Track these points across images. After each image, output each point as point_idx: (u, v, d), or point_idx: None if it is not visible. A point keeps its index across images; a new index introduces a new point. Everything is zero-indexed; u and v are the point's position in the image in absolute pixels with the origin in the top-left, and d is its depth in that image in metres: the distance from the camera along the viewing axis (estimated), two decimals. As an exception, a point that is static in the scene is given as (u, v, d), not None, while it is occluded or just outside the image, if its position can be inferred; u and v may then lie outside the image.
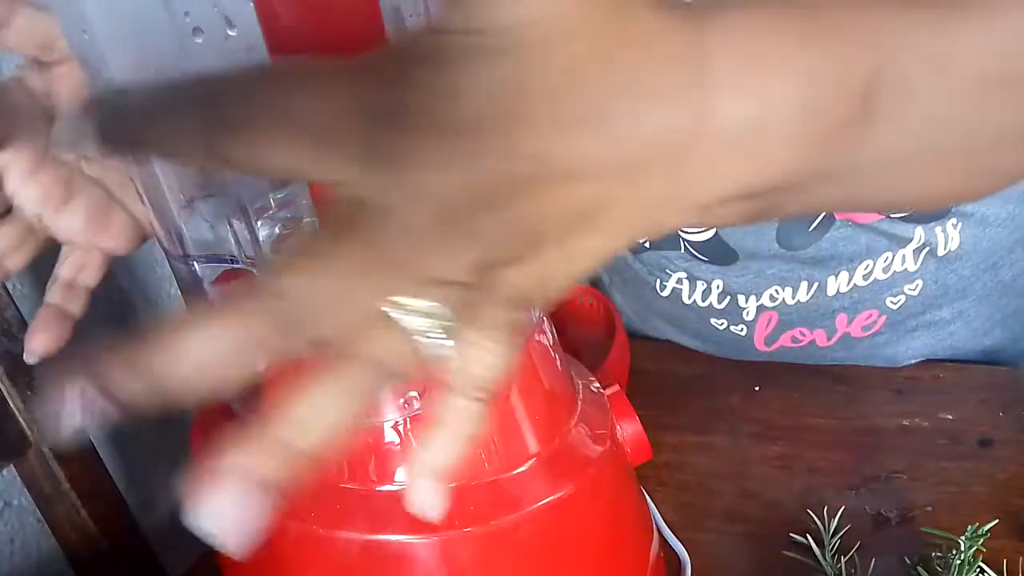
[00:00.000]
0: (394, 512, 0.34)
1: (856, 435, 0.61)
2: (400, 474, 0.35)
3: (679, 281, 0.68)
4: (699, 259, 0.66)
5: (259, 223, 0.33)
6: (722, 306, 0.67)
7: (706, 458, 0.60)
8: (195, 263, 0.34)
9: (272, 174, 0.21)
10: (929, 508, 0.53)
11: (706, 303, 0.67)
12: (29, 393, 0.54)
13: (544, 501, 0.36)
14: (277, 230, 0.34)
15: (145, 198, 0.34)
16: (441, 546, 0.35)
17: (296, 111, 0.19)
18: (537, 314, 0.38)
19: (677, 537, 0.52)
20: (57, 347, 0.39)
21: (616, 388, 0.44)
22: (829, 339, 0.66)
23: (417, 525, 0.34)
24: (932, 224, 0.61)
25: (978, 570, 0.45)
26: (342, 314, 0.21)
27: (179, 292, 0.38)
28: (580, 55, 0.20)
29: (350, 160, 0.20)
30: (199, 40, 0.28)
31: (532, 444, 0.37)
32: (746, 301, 0.65)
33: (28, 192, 0.37)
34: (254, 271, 0.33)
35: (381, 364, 0.22)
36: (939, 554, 0.46)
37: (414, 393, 0.34)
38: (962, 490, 0.54)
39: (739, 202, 0.24)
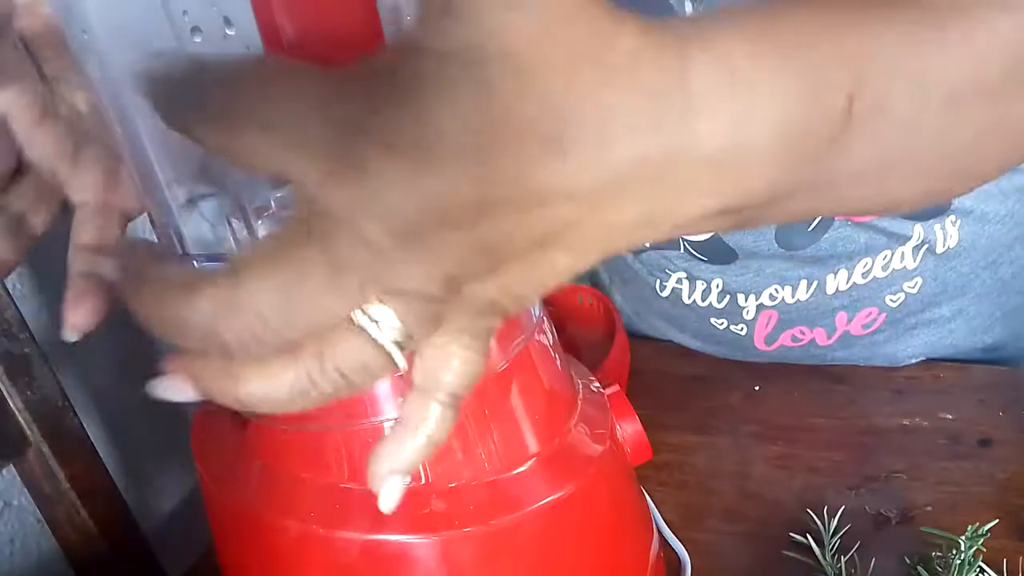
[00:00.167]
0: (394, 512, 0.34)
1: (856, 435, 0.61)
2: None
3: (679, 281, 0.68)
4: (698, 259, 0.66)
5: (259, 223, 0.33)
6: (722, 305, 0.67)
7: (706, 458, 0.60)
8: (194, 262, 0.34)
9: (247, 167, 0.21)
10: (929, 508, 0.53)
11: (706, 303, 0.67)
12: (29, 393, 0.54)
13: (544, 501, 0.36)
14: (277, 230, 0.34)
15: (144, 197, 0.34)
16: (441, 546, 0.35)
17: (274, 108, 0.19)
18: (537, 313, 0.38)
19: (677, 537, 0.52)
20: (99, 319, 0.36)
21: (616, 388, 0.44)
22: (829, 338, 0.66)
23: (417, 525, 0.34)
24: (931, 221, 0.61)
25: (978, 570, 0.45)
26: (301, 318, 0.21)
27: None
28: (555, 80, 0.19)
29: (316, 163, 0.20)
30: (198, 39, 0.28)
31: (532, 444, 0.37)
32: (746, 300, 0.65)
33: (41, 142, 0.35)
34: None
35: (339, 370, 0.22)
36: (939, 554, 0.46)
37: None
38: (962, 490, 0.54)
39: (716, 218, 0.24)
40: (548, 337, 0.39)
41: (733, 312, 0.66)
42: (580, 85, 0.20)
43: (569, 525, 0.38)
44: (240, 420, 0.39)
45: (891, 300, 0.64)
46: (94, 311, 0.35)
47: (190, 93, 0.21)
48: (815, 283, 0.63)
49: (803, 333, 0.66)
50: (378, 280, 0.21)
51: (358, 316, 0.21)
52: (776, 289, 0.64)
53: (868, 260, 0.62)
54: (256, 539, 0.38)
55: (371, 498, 0.36)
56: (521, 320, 0.37)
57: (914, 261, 0.62)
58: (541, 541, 0.37)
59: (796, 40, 0.23)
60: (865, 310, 0.64)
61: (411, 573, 0.35)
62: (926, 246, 0.62)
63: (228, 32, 0.28)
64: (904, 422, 0.61)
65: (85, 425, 0.58)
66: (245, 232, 0.32)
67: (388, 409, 0.34)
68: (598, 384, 0.44)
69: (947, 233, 0.62)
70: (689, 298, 0.68)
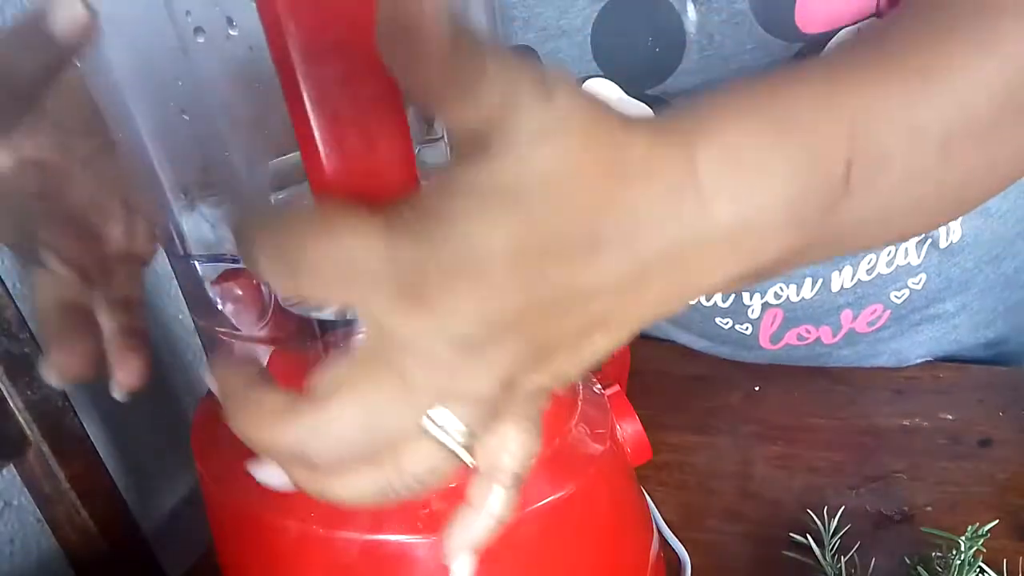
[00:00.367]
0: (394, 512, 0.34)
1: (856, 435, 0.60)
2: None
3: None
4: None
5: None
6: (727, 305, 0.67)
7: (706, 458, 0.60)
8: (196, 263, 0.34)
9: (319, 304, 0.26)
10: (929, 508, 0.53)
11: (711, 302, 0.67)
12: (29, 393, 0.54)
13: (544, 501, 0.36)
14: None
15: (146, 199, 0.34)
16: (441, 546, 0.35)
17: (342, 255, 0.22)
18: None
19: (677, 537, 0.52)
20: (145, 379, 0.35)
21: (616, 388, 0.44)
22: (835, 335, 0.66)
23: (417, 525, 0.34)
24: None
25: (978, 570, 0.45)
26: (379, 434, 0.23)
27: (180, 291, 0.38)
28: (585, 194, 0.22)
29: (383, 299, 0.22)
30: (200, 40, 0.28)
31: (532, 444, 0.37)
32: (751, 299, 0.65)
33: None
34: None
35: (414, 476, 0.24)
36: (939, 554, 0.46)
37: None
38: (962, 490, 0.54)
39: (735, 282, 0.26)
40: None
41: (738, 311, 0.66)
42: (605, 193, 0.22)
43: (569, 525, 0.38)
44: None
45: (896, 297, 0.64)
46: (140, 370, 0.35)
47: (271, 247, 0.23)
48: (820, 281, 0.63)
49: (808, 331, 0.66)
50: (446, 393, 0.23)
51: (425, 423, 0.23)
52: (781, 287, 0.64)
53: (872, 256, 0.62)
54: (256, 539, 0.38)
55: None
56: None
57: (918, 256, 0.62)
58: (541, 541, 0.37)
59: (792, 116, 0.26)
60: (870, 307, 0.64)
61: (411, 573, 0.35)
62: (929, 240, 0.62)
63: (231, 32, 0.28)
64: (904, 422, 0.61)
65: (85, 425, 0.58)
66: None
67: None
68: (598, 384, 0.44)
69: (950, 227, 0.62)
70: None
